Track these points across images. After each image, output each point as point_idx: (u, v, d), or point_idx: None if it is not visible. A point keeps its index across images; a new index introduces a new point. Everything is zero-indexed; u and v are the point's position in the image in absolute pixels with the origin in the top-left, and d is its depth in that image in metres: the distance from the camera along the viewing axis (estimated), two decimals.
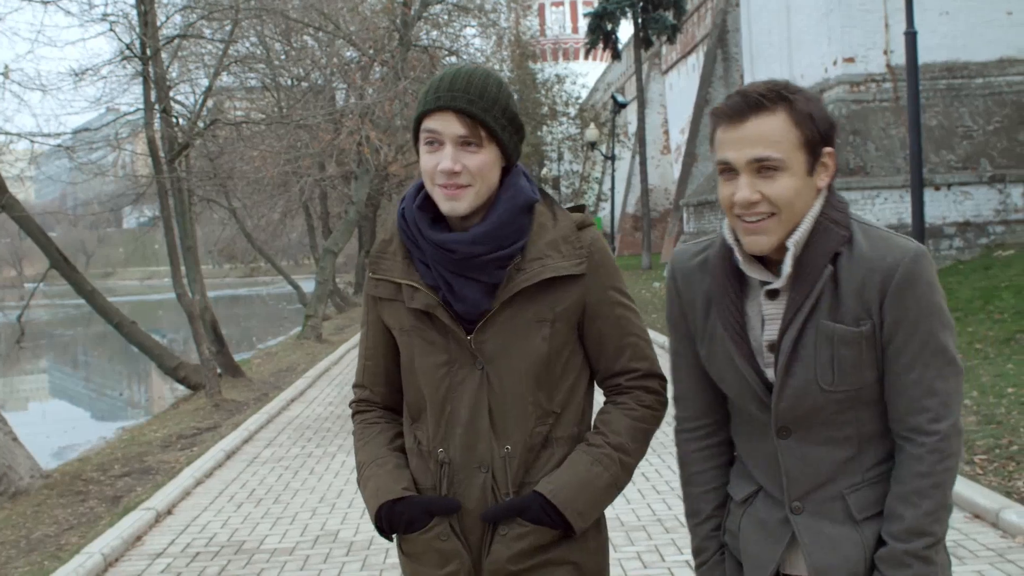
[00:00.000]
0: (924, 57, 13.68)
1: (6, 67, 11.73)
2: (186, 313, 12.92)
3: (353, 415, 2.28)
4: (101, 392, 21.84)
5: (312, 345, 18.68)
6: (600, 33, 34.14)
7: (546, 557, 2.04)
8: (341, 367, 15.67)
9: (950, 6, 17.17)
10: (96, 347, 29.91)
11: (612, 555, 4.21)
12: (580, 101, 43.86)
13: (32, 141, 12.77)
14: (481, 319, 2.03)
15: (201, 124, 14.82)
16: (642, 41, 33.11)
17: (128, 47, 12.63)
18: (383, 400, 2.24)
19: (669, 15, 32.37)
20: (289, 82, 20.87)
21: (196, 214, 17.51)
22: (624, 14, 33.06)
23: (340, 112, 17.92)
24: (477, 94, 1.98)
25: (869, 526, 1.88)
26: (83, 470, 8.79)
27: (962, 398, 1.91)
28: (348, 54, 19.16)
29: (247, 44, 19.11)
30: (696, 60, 36.68)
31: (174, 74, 15.80)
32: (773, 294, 1.89)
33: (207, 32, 15.30)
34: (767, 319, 1.91)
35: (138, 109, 13.84)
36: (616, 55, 36.25)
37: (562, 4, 72.80)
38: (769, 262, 1.90)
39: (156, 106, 12.34)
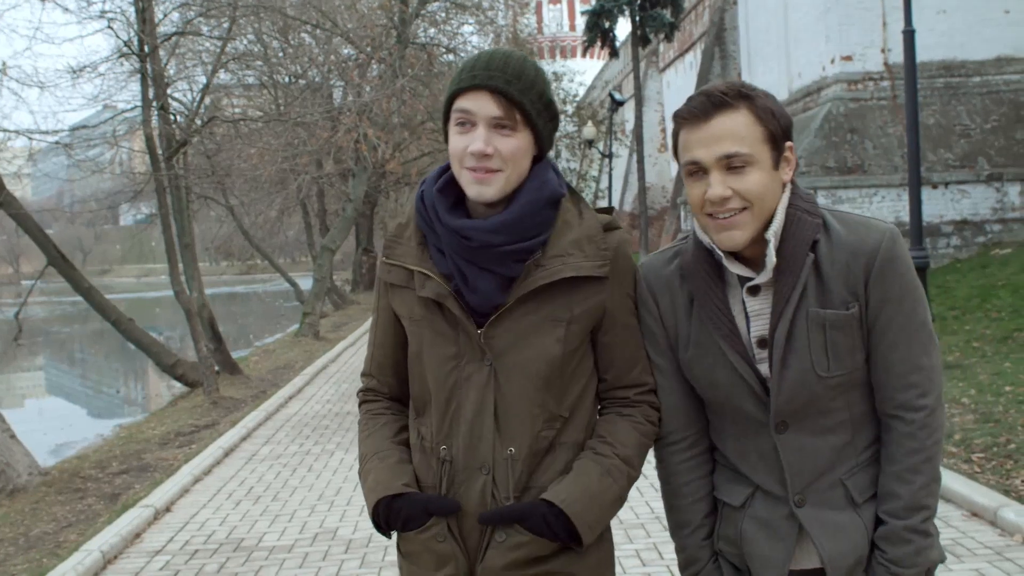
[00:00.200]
0: (922, 55, 13.66)
1: (4, 64, 11.76)
2: (184, 310, 12.92)
3: (360, 404, 2.19)
4: (98, 389, 21.79)
5: (310, 342, 18.68)
6: (598, 31, 34.06)
7: (544, 568, 1.93)
8: (339, 364, 15.67)
9: (948, 4, 17.15)
10: (93, 344, 29.86)
11: None
12: (577, 99, 43.80)
13: (30, 138, 12.78)
14: (494, 313, 1.92)
15: (199, 121, 14.83)
16: (640, 39, 33.05)
17: (126, 44, 12.63)
18: (391, 391, 2.15)
19: (667, 13, 32.29)
20: (287, 79, 20.90)
21: (194, 211, 17.48)
22: (622, 12, 33.00)
23: (338, 110, 17.95)
24: (515, 75, 1.88)
25: (867, 508, 1.92)
26: (81, 467, 8.79)
27: (942, 370, 1.96)
28: (346, 52, 19.18)
29: (245, 41, 19.11)
30: (694, 58, 36.66)
31: (172, 71, 15.83)
32: (755, 290, 1.91)
33: (205, 29, 15.31)
34: (752, 315, 1.92)
35: (136, 106, 13.88)
36: (614, 53, 36.17)
37: (560, 2, 72.83)
38: (746, 260, 1.92)
39: (154, 103, 12.34)
